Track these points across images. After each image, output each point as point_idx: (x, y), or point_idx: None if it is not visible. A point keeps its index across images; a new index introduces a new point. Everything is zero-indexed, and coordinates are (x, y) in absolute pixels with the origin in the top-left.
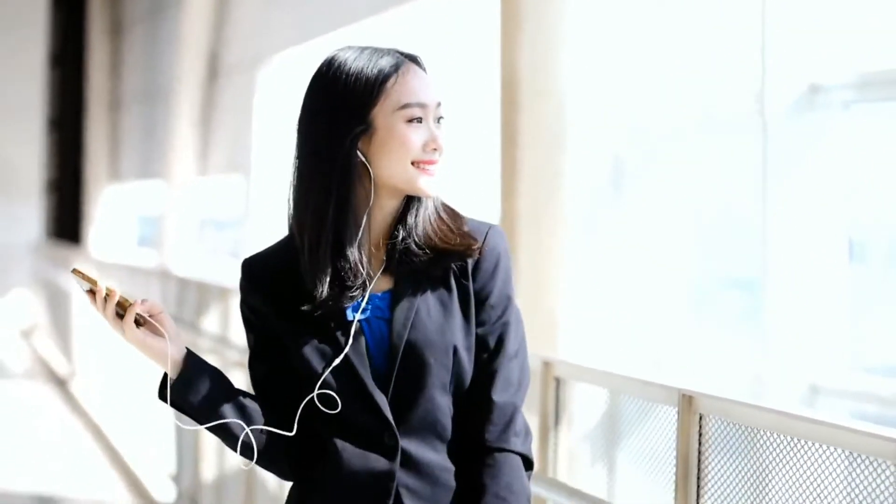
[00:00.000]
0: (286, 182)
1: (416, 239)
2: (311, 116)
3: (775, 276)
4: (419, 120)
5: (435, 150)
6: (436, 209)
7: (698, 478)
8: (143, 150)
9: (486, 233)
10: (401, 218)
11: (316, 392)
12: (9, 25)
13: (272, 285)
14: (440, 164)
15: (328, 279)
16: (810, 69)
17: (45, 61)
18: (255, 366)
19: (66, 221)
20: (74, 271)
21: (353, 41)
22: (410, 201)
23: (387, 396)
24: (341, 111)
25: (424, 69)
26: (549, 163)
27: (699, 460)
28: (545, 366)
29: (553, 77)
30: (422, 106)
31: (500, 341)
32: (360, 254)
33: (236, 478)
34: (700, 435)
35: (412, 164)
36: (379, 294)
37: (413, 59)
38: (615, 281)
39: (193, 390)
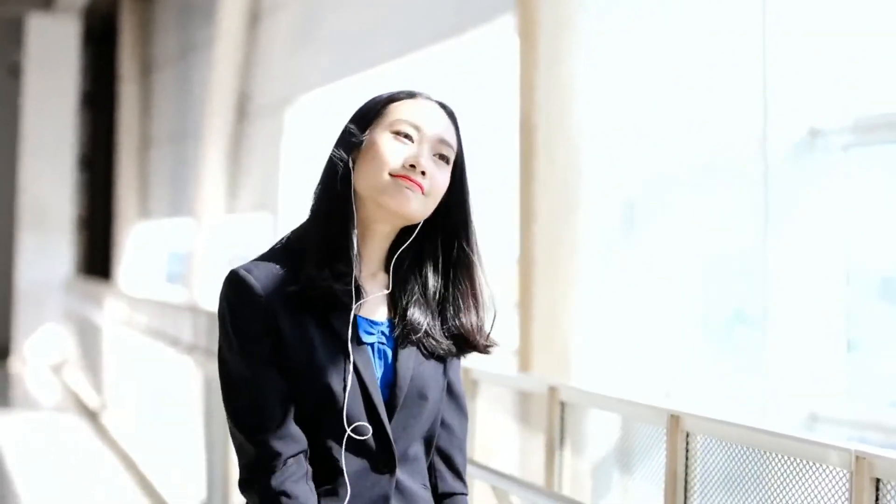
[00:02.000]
0: None
1: (444, 323)
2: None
3: (776, 311)
4: (408, 137)
5: (413, 166)
6: (478, 300)
7: (685, 489)
8: (173, 188)
9: None
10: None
11: (349, 427)
12: (42, 67)
13: (284, 295)
14: (428, 194)
15: (318, 260)
16: (810, 114)
17: (77, 101)
18: (271, 374)
19: (97, 258)
20: None
21: (377, 84)
22: (452, 274)
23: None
24: (351, 127)
25: (447, 112)
26: (564, 203)
27: (686, 473)
28: (551, 391)
29: (568, 123)
30: (414, 126)
31: (462, 399)
32: (350, 256)
33: None
34: (687, 451)
35: (390, 175)
36: (381, 322)
37: (439, 104)
38: (626, 314)
39: None
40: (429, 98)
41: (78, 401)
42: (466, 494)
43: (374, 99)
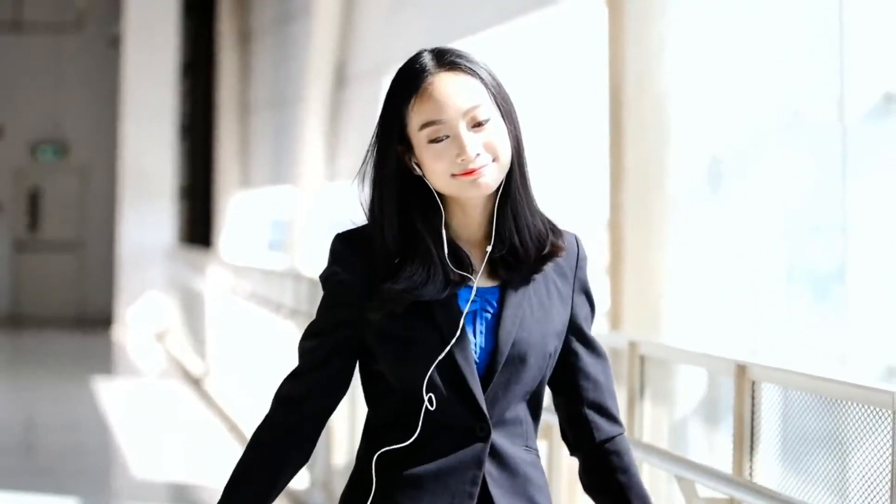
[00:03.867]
0: None
1: (518, 241)
2: (376, 128)
3: (855, 268)
4: (445, 135)
5: (463, 160)
6: (530, 208)
7: (752, 435)
8: (273, 156)
9: (578, 241)
10: (499, 214)
11: (427, 397)
12: (142, 37)
13: (376, 263)
14: (496, 160)
15: (415, 268)
16: (885, 80)
17: (176, 70)
18: (325, 339)
19: (198, 226)
20: None
21: (476, 49)
22: (503, 199)
23: (484, 390)
24: (387, 130)
25: (457, 68)
26: (652, 161)
27: (752, 420)
28: (631, 346)
29: (655, 86)
30: (440, 122)
31: (597, 344)
32: (440, 252)
33: None
34: (752, 398)
35: (452, 176)
36: (486, 287)
37: (447, 64)
38: (713, 272)
39: None
40: (437, 68)
41: (181, 368)
42: (623, 433)
43: (394, 100)
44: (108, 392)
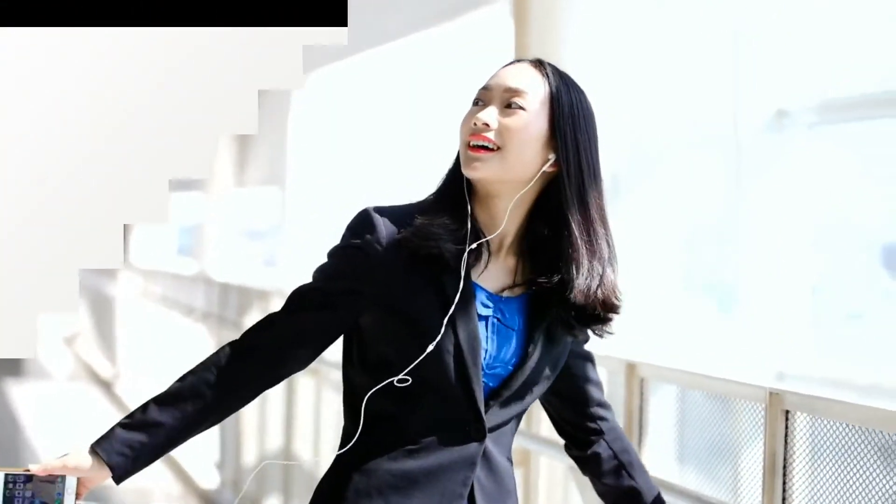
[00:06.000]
0: (321, 194)
1: (574, 299)
2: None
3: (748, 278)
4: (482, 102)
5: (475, 123)
6: (588, 242)
7: (640, 428)
8: None
9: None
10: (527, 228)
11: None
12: None
13: (399, 245)
14: (503, 148)
15: (428, 221)
16: (778, 95)
17: None
18: (315, 314)
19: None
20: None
21: (382, 62)
22: (531, 213)
23: (486, 395)
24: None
25: (532, 63)
26: None
27: (640, 414)
28: None
29: None
30: (485, 88)
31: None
32: (452, 221)
33: (275, 464)
34: (641, 394)
35: (465, 145)
36: (504, 298)
37: (534, 61)
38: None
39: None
40: (521, 60)
41: (91, 371)
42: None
43: None
44: (18, 395)
